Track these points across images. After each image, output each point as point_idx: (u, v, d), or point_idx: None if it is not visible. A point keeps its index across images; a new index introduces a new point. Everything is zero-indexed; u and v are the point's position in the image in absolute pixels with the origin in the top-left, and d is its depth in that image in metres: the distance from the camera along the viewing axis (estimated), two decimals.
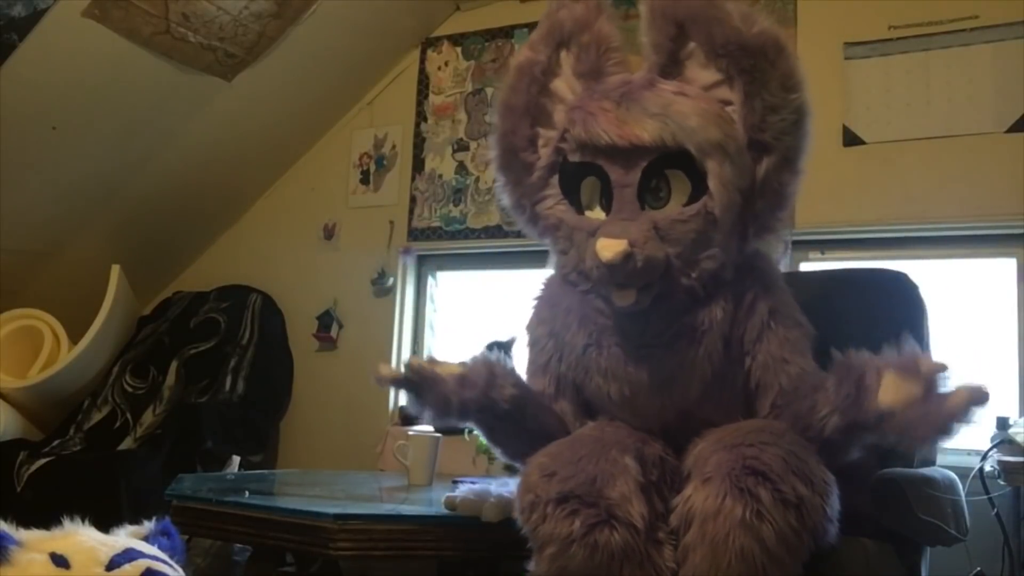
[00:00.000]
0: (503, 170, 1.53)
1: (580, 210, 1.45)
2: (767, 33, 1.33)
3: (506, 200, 1.55)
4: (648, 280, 1.34)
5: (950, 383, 1.22)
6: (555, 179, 1.47)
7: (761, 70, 1.32)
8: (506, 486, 1.71)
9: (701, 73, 1.38)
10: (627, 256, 1.30)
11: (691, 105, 1.34)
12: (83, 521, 1.23)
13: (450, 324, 3.19)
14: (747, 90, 1.33)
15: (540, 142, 1.49)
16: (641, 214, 1.36)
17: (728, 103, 1.36)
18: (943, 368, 1.21)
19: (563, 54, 1.49)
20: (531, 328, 1.57)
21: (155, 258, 3.50)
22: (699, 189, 1.35)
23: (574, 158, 1.43)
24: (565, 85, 1.49)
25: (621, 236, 1.32)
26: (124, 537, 1.22)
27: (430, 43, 3.19)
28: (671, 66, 1.40)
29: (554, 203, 1.47)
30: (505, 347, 2.55)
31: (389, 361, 3.08)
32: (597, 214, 1.43)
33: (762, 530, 1.18)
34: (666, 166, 1.35)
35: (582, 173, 1.42)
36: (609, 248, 1.30)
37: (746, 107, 1.33)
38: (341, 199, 3.29)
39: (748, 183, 1.35)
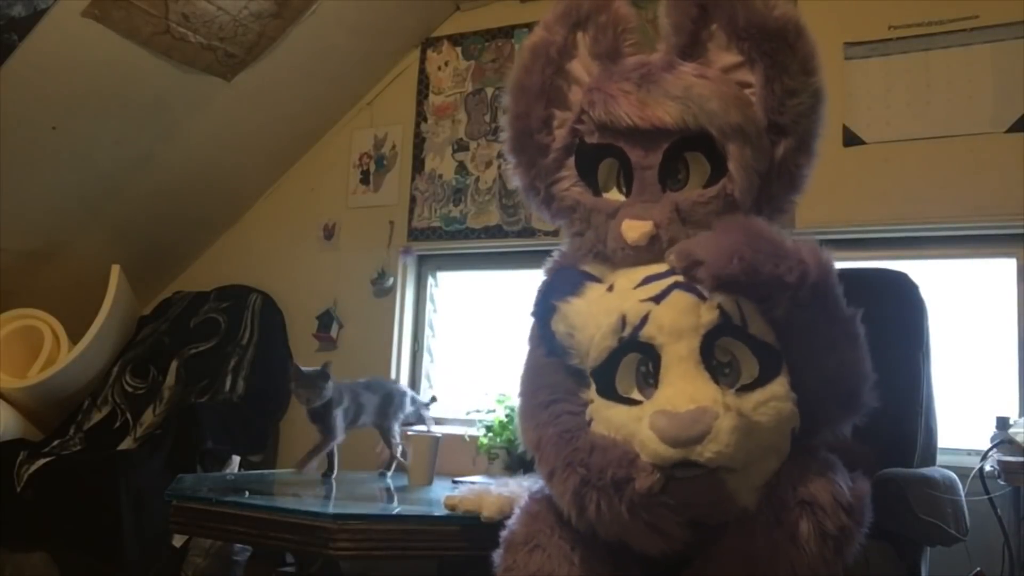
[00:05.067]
0: (516, 152, 1.52)
1: (597, 191, 1.45)
2: (788, 16, 1.35)
3: (518, 182, 1.54)
4: None
5: None
6: (571, 161, 1.46)
7: (782, 53, 1.34)
8: (506, 486, 1.72)
9: (721, 55, 1.39)
10: (653, 238, 1.31)
11: (712, 88, 1.34)
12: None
13: (450, 324, 3.18)
14: (767, 73, 1.34)
15: (555, 123, 1.48)
16: (663, 196, 1.36)
17: (747, 85, 1.37)
18: None
19: (579, 35, 1.48)
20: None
21: (155, 258, 3.50)
22: (718, 171, 1.36)
23: (592, 140, 1.42)
24: (581, 66, 1.48)
25: (645, 218, 1.33)
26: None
27: (430, 43, 3.19)
28: (691, 47, 1.40)
29: (570, 184, 1.46)
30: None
31: (389, 361, 3.08)
32: (615, 195, 1.43)
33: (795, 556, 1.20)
34: (685, 148, 1.36)
35: (600, 155, 1.42)
36: (635, 229, 1.32)
37: (766, 90, 1.35)
38: (341, 199, 3.29)
39: (766, 166, 1.36)
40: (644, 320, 1.25)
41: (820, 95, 1.37)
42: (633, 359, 1.29)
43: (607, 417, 1.30)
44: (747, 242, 1.21)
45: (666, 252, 1.31)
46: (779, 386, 1.26)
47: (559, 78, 1.48)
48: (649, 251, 1.32)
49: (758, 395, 1.24)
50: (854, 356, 1.28)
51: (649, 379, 1.27)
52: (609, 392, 1.31)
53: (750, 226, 1.27)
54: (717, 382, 1.23)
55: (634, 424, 1.23)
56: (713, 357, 1.24)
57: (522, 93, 1.50)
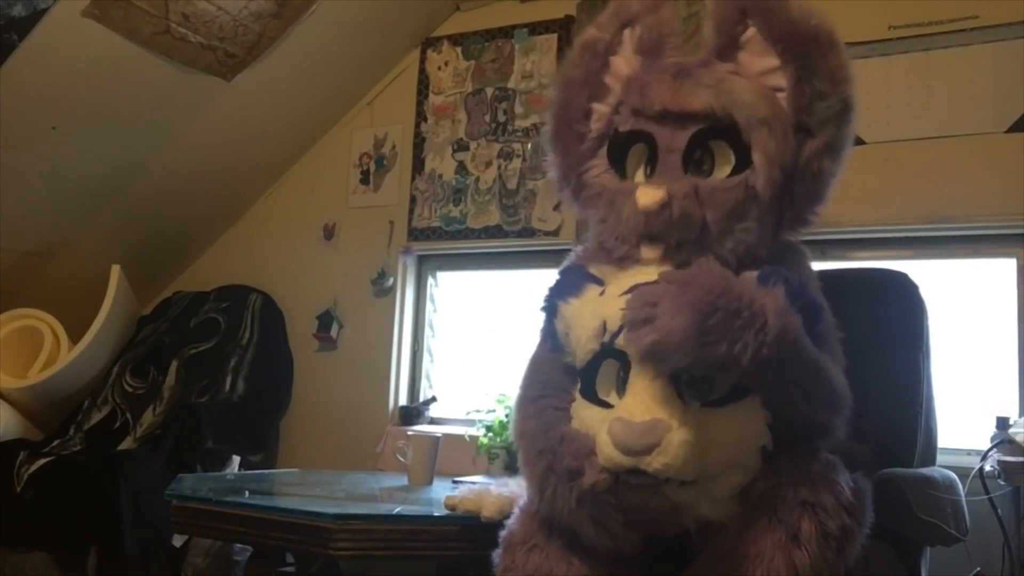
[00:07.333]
0: (554, 141, 1.56)
1: (624, 178, 1.47)
2: (822, 26, 1.40)
3: (553, 173, 1.59)
4: (681, 237, 1.36)
5: None
6: (604, 150, 1.50)
7: (813, 58, 1.37)
8: (506, 486, 1.72)
9: (756, 60, 1.42)
10: (664, 204, 1.33)
11: (743, 83, 1.39)
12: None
13: (450, 324, 3.19)
14: (798, 75, 1.37)
15: (594, 117, 1.52)
16: (684, 177, 1.38)
17: (779, 90, 1.40)
18: None
19: (626, 32, 1.53)
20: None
21: (155, 258, 3.50)
22: (742, 164, 1.37)
23: (625, 127, 1.46)
24: (624, 61, 1.52)
25: (661, 187, 1.35)
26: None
27: (430, 43, 3.19)
28: (729, 49, 1.44)
29: (600, 171, 1.49)
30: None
31: (389, 361, 3.08)
32: (639, 178, 1.46)
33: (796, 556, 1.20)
34: (712, 137, 1.38)
35: (631, 141, 1.45)
36: (647, 195, 1.34)
37: (796, 91, 1.37)
38: (341, 199, 3.29)
39: (791, 163, 1.38)
40: (621, 329, 1.27)
41: (850, 103, 1.39)
42: (612, 364, 1.31)
43: (583, 416, 1.35)
44: (700, 318, 1.16)
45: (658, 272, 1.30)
46: (749, 405, 1.27)
47: (603, 72, 1.53)
48: (659, 219, 1.34)
49: (725, 411, 1.25)
50: (826, 393, 1.30)
51: (622, 386, 1.30)
52: (589, 393, 1.35)
53: (713, 286, 1.20)
54: (683, 396, 1.24)
55: (600, 426, 1.26)
56: (685, 370, 1.25)
57: (567, 84, 1.55)
